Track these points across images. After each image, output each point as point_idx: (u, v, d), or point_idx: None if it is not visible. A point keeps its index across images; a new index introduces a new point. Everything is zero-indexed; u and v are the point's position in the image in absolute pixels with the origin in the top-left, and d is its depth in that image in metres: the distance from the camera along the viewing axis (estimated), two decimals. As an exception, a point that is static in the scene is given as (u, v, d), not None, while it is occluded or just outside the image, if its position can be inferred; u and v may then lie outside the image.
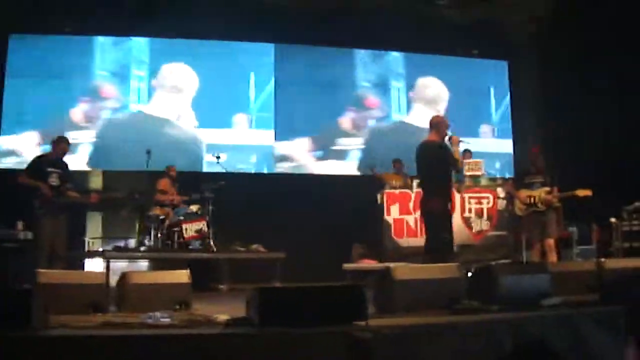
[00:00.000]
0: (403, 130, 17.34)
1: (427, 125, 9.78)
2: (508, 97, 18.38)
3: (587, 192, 11.25)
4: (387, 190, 12.91)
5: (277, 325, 4.89)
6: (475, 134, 17.31)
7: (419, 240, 12.46)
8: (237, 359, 4.58)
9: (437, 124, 9.75)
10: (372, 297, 6.59)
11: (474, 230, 12.85)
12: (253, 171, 15.86)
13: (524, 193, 11.54)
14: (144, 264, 12.85)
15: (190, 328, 5.33)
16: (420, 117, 17.12)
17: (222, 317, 5.59)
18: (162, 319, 5.64)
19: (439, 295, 6.63)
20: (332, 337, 4.85)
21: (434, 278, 6.84)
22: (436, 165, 9.57)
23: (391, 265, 7.74)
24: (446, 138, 9.65)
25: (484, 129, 17.97)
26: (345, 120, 17.26)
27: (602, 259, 10.36)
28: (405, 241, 12.53)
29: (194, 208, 12.68)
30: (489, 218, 13.01)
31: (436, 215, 9.53)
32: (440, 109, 17.49)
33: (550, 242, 11.31)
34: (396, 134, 17.22)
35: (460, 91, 17.87)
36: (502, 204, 12.98)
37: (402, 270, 6.99)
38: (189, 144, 15.92)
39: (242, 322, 5.23)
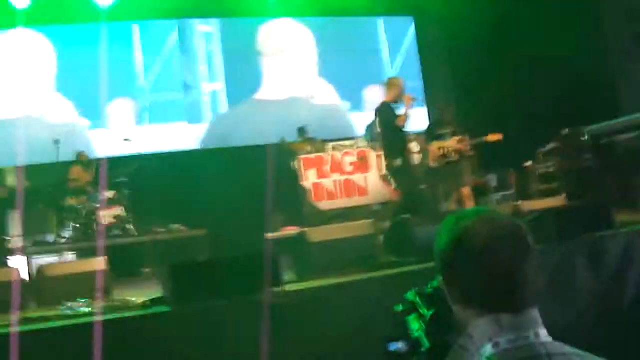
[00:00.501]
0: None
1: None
2: (413, 55, 18.43)
3: (496, 137, 11.41)
4: (302, 156, 12.88)
5: (191, 301, 4.88)
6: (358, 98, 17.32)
7: (339, 202, 12.56)
8: (154, 338, 4.57)
9: (389, 85, 10.29)
10: (291, 262, 6.61)
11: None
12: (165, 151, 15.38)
13: (435, 145, 11.64)
14: (71, 258, 12.64)
15: (108, 314, 5.29)
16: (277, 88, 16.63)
17: (140, 300, 5.56)
18: (80, 309, 5.60)
19: (356, 253, 6.68)
20: (248, 307, 4.86)
21: (349, 237, 6.89)
22: (387, 127, 9.86)
23: (305, 230, 7.77)
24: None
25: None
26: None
27: (518, 202, 10.56)
28: (325, 204, 12.56)
29: (109, 194, 12.52)
30: (406, 173, 13.09)
31: (394, 173, 9.80)
32: (305, 61, 17.15)
33: (466, 190, 11.46)
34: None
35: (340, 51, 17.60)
36: (417, 158, 13.05)
37: (317, 232, 7.03)
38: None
39: (158, 302, 5.22)
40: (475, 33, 14.93)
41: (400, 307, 2.47)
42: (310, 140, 13.77)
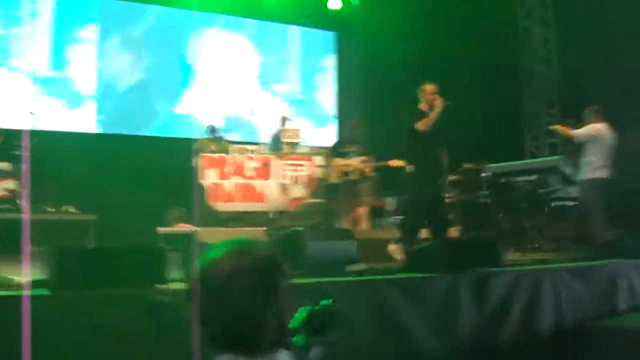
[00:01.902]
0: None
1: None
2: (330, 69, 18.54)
3: (399, 163, 11.52)
4: (203, 154, 12.77)
5: (73, 287, 4.79)
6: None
7: (235, 205, 12.50)
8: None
9: (421, 92, 9.78)
10: (179, 260, 6.53)
11: (290, 197, 12.94)
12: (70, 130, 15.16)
13: (339, 162, 11.72)
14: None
15: (-14, 290, 5.15)
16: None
17: (20, 280, 5.43)
18: (-43, 281, 5.45)
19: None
20: (130, 300, 4.79)
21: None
22: (408, 132, 9.52)
23: (198, 229, 7.73)
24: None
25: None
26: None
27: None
28: (221, 206, 12.48)
29: (3, 166, 12.19)
30: (306, 185, 13.13)
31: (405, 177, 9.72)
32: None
33: (363, 210, 11.56)
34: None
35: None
36: (318, 172, 13.11)
37: (209, 234, 6.99)
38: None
39: (39, 284, 5.10)
40: (395, 56, 15.08)
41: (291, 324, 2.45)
42: (217, 139, 13.70)
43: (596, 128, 11.00)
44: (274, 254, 2.09)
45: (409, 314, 6.15)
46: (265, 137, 14.60)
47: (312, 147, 13.89)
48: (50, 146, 12.56)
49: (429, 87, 9.67)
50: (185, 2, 16.01)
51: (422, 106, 9.66)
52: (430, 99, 9.49)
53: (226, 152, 12.99)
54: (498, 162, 13.03)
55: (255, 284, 1.99)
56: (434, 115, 9.42)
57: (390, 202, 14.39)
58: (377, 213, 13.58)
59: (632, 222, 11.08)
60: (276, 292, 2.02)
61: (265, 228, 8.43)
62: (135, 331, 4.57)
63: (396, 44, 15.06)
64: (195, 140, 13.61)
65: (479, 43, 15.09)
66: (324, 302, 2.59)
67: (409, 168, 9.52)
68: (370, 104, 17.24)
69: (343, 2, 17.20)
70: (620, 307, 8.02)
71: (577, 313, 7.45)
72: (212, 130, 13.97)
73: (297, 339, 2.39)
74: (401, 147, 10.38)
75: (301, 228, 7.74)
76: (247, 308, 1.97)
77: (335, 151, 12.02)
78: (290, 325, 2.41)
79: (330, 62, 18.46)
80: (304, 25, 18.00)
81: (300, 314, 2.49)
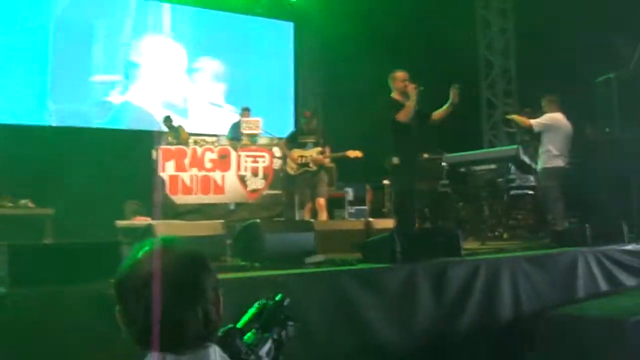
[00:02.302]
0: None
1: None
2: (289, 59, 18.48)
3: (357, 154, 11.54)
4: (162, 146, 12.67)
5: (28, 284, 4.71)
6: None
7: (194, 198, 12.43)
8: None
9: (391, 80, 9.52)
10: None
11: (249, 189, 12.90)
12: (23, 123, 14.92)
13: (296, 153, 11.68)
14: None
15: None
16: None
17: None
18: None
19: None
20: (85, 295, 4.72)
21: (197, 235, 6.77)
22: (389, 124, 9.31)
23: (154, 222, 7.65)
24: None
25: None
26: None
27: (370, 219, 10.66)
28: (180, 198, 12.40)
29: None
30: (265, 177, 13.10)
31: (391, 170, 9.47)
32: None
33: (321, 201, 11.51)
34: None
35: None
36: (277, 163, 13.09)
37: (165, 227, 6.91)
38: None
39: (-7, 282, 5.01)
40: (352, 46, 15.07)
41: (243, 320, 2.42)
42: (174, 130, 13.62)
43: (553, 117, 11.04)
44: (197, 251, 2.06)
45: (367, 305, 6.11)
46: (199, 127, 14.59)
47: (272, 138, 13.84)
48: (6, 139, 12.44)
49: (399, 75, 9.44)
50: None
51: (395, 95, 9.45)
52: (402, 87, 9.33)
53: (185, 144, 12.91)
54: (457, 151, 13.06)
55: (174, 282, 1.97)
56: (411, 104, 9.17)
57: (347, 192, 14.40)
58: (335, 203, 13.58)
59: (589, 210, 11.18)
60: (199, 289, 2.00)
61: (223, 220, 8.33)
62: (92, 326, 4.50)
63: (353, 33, 15.06)
64: (154, 132, 13.53)
65: (437, 33, 15.13)
66: (277, 297, 2.56)
67: (395, 160, 9.34)
68: (327, 94, 17.25)
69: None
70: (579, 295, 8.07)
71: (535, 301, 7.47)
72: (167, 120, 13.91)
73: (247, 336, 2.36)
74: (379, 140, 10.26)
75: (259, 220, 7.68)
76: (168, 307, 1.94)
77: (292, 142, 11.96)
78: (240, 321, 2.38)
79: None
80: (261, 15, 17.92)
81: (252, 309, 2.46)
